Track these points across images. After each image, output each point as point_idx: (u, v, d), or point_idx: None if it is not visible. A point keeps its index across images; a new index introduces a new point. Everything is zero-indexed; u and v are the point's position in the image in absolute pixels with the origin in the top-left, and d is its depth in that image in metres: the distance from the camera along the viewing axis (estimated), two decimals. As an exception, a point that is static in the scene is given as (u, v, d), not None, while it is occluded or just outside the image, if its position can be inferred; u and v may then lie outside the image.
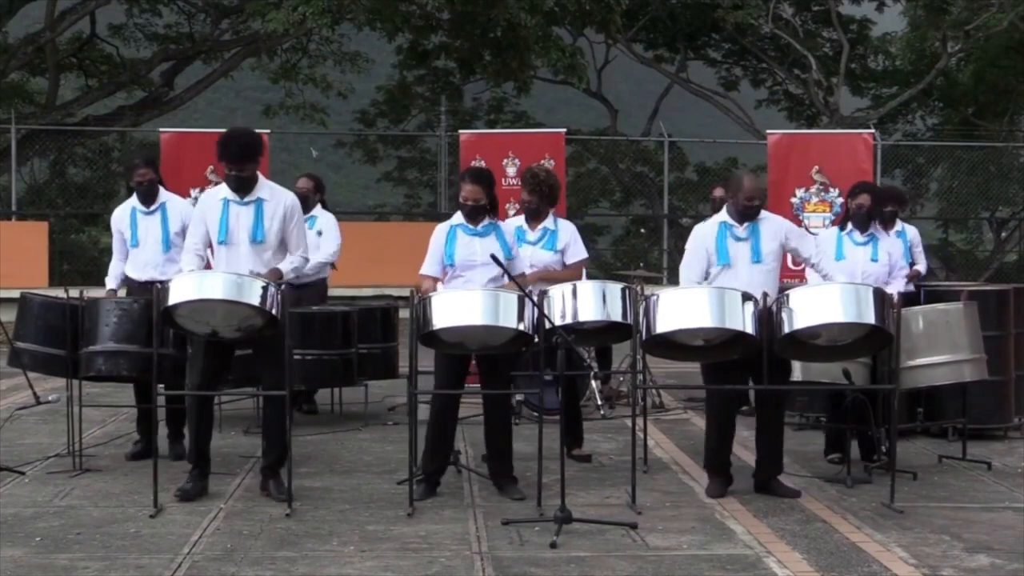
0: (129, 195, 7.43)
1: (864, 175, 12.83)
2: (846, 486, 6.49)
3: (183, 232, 6.79)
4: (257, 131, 6.57)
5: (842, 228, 7.37)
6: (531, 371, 7.02)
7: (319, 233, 8.65)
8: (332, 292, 9.34)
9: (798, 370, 6.78)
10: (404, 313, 7.18)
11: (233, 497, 6.21)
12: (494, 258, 6.05)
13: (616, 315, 6.25)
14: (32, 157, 18.16)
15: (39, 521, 5.70)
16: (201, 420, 6.25)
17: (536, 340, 5.92)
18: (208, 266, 6.39)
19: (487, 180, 6.47)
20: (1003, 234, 21.30)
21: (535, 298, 5.84)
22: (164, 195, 7.33)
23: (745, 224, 6.44)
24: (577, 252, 7.20)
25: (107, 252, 8.04)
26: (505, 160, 13.39)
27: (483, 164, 12.48)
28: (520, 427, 7.86)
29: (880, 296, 6.01)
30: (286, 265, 6.29)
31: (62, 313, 6.75)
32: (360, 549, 5.25)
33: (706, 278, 6.44)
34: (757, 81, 23.13)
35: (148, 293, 6.11)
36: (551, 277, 6.87)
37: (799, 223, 13.48)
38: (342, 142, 23.21)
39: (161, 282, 6.05)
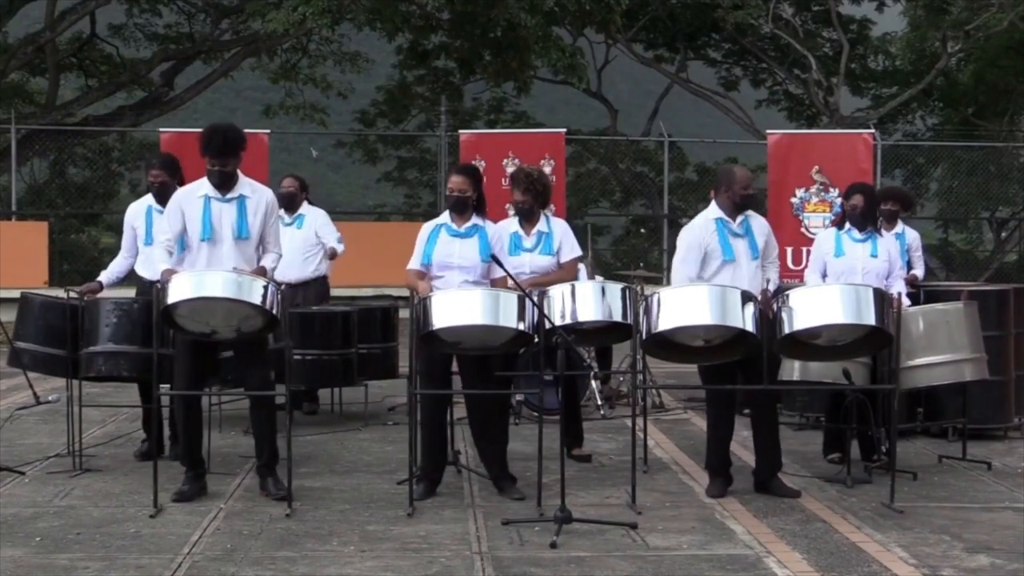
0: (146, 193, 7.43)
1: (864, 175, 12.85)
2: (846, 486, 6.49)
3: None
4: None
5: (840, 228, 7.37)
6: (531, 371, 7.01)
7: (316, 233, 8.79)
8: (332, 292, 9.34)
9: (798, 370, 6.79)
10: (404, 313, 7.18)
11: (233, 497, 6.21)
12: (495, 259, 6.07)
13: (616, 315, 6.25)
14: (32, 157, 18.16)
15: (39, 521, 5.70)
16: (189, 422, 6.22)
17: (536, 340, 5.92)
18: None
19: (474, 174, 6.49)
20: (1003, 234, 21.30)
21: (535, 298, 5.83)
22: None
23: (739, 220, 6.45)
24: (570, 250, 7.18)
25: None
26: (505, 160, 13.40)
27: (483, 164, 12.49)
28: (520, 427, 7.87)
29: (880, 296, 6.02)
30: (268, 263, 6.26)
31: (62, 313, 6.75)
32: (360, 549, 5.24)
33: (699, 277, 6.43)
34: (757, 81, 23.13)
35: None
36: (545, 282, 6.81)
37: (799, 223, 13.53)
38: (342, 142, 23.22)
39: (163, 282, 6.04)
